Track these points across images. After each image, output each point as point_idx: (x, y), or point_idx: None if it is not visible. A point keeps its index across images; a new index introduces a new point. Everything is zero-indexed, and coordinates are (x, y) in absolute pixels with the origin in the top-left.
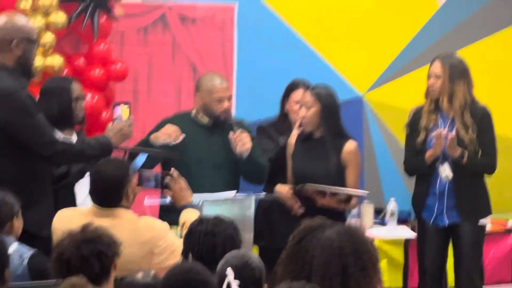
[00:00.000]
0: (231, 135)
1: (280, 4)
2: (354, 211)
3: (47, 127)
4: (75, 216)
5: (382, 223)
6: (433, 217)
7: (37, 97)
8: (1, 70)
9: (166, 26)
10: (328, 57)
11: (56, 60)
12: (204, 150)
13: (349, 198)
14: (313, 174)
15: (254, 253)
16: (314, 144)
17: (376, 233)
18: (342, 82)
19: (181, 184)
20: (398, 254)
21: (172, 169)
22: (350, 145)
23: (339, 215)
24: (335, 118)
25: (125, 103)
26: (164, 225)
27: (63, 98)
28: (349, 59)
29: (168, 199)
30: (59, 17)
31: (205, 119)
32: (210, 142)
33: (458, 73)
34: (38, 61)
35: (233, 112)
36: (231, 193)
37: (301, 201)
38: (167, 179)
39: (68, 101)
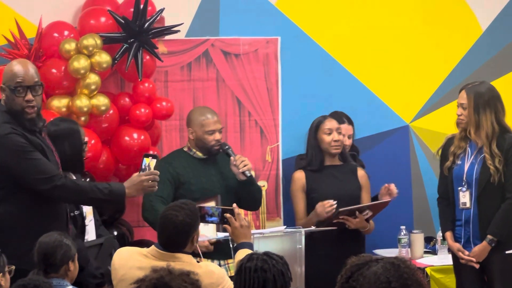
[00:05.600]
0: (232, 159)
1: (323, 36)
2: (405, 241)
3: (45, 163)
4: (135, 255)
5: (433, 251)
6: (461, 245)
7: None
8: None
9: (210, 62)
10: (373, 87)
11: (101, 101)
12: (204, 182)
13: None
14: (343, 196)
15: None
16: (331, 171)
17: (427, 262)
18: (389, 111)
19: (242, 221)
20: (450, 282)
21: (234, 204)
22: (361, 171)
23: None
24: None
25: (154, 156)
26: (222, 270)
27: (75, 140)
28: (394, 89)
29: (223, 235)
30: (103, 58)
31: (199, 154)
32: (208, 174)
33: (484, 102)
34: (84, 102)
35: (279, 145)
36: (281, 227)
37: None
38: (227, 215)
39: (80, 144)
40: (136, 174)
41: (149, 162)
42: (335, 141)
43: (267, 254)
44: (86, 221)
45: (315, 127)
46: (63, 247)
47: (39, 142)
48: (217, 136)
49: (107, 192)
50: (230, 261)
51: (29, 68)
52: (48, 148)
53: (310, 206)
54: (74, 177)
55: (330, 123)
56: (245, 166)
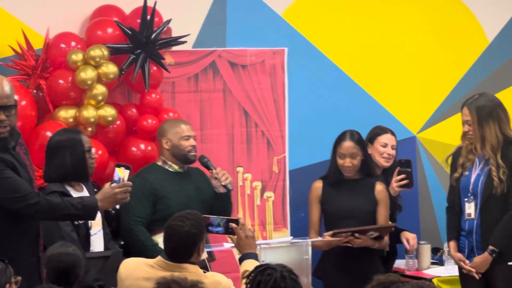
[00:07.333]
0: (213, 172)
1: (330, 46)
2: (413, 252)
3: (18, 182)
4: (141, 265)
5: (440, 262)
6: (465, 255)
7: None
8: None
9: (217, 73)
10: (380, 98)
11: (108, 112)
12: (182, 197)
13: (379, 236)
14: (356, 211)
15: None
16: (348, 185)
17: (434, 273)
18: (396, 122)
19: (247, 232)
20: None
21: (239, 214)
22: (380, 185)
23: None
24: (369, 159)
25: (126, 167)
26: (229, 281)
27: (76, 150)
28: (400, 100)
29: (227, 245)
30: (110, 69)
31: (174, 167)
32: (184, 188)
33: (486, 114)
34: (91, 113)
35: (286, 156)
36: (288, 238)
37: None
38: (233, 225)
39: (82, 153)
40: (108, 185)
41: (122, 173)
42: (346, 166)
43: (289, 271)
44: (92, 231)
45: (334, 146)
46: (81, 260)
47: (11, 160)
48: (193, 142)
49: (81, 207)
50: None
51: (3, 87)
52: (21, 164)
53: (322, 216)
54: (85, 188)
55: (346, 147)
56: (227, 179)
